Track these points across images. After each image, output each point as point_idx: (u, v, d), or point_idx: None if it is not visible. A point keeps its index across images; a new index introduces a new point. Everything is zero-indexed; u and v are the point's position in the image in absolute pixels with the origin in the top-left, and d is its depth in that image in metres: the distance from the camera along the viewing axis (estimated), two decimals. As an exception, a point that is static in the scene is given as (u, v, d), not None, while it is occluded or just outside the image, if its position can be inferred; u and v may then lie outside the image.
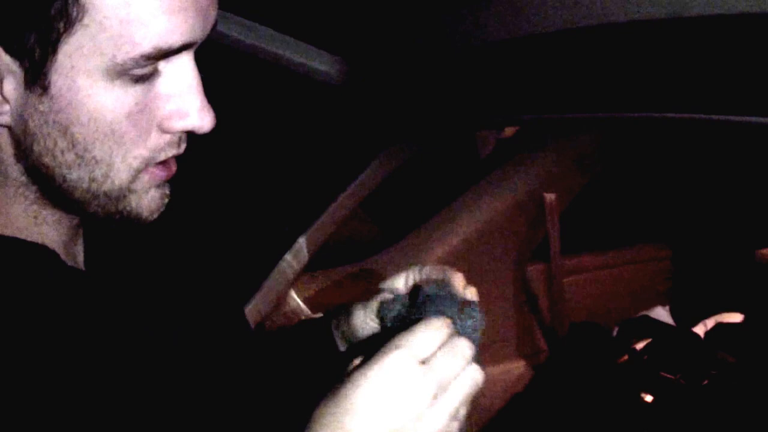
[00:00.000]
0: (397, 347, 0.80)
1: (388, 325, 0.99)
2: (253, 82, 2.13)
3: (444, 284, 1.01)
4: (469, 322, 0.94)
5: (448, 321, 0.86)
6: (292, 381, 1.16)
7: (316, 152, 2.36)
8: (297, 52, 1.86)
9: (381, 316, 1.03)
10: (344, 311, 1.13)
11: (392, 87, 1.89)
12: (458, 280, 1.02)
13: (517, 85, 1.60)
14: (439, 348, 0.82)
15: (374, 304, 1.08)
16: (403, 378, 0.79)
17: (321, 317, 1.20)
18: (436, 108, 1.89)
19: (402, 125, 2.07)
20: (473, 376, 0.83)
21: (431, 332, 0.83)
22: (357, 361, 0.83)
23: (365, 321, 1.09)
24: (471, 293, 1.02)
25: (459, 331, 0.90)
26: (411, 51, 1.70)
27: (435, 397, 0.80)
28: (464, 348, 0.83)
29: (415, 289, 1.04)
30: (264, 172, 2.55)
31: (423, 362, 0.80)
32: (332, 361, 1.11)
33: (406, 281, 1.08)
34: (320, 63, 1.88)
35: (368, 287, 2.51)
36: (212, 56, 0.85)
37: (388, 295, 1.07)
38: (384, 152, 2.17)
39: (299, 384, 1.13)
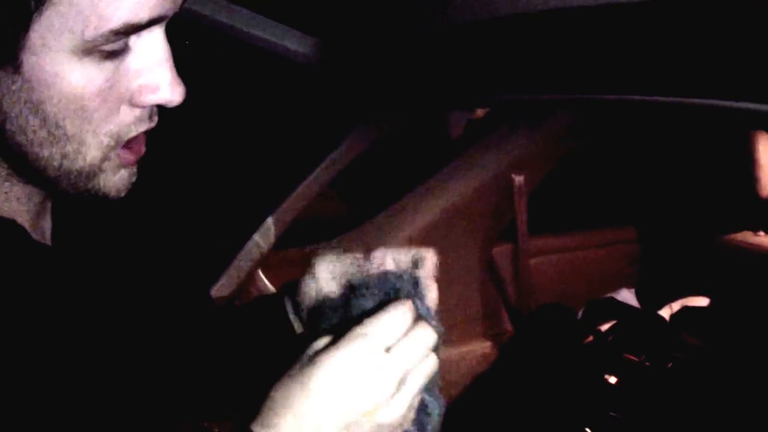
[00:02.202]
0: (362, 335, 0.81)
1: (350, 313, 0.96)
2: (224, 61, 2.11)
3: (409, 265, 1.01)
4: (428, 302, 0.94)
5: (412, 306, 0.86)
6: (246, 356, 1.18)
7: (286, 131, 2.35)
8: (269, 32, 1.85)
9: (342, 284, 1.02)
10: (294, 283, 1.13)
11: (363, 67, 1.88)
12: (430, 261, 1.02)
13: (488, 65, 1.60)
14: (404, 335, 0.82)
15: (322, 269, 1.07)
16: (367, 367, 0.79)
17: (277, 292, 1.21)
18: (407, 88, 1.88)
19: (372, 105, 2.06)
20: (431, 366, 0.84)
21: (396, 319, 0.83)
22: (321, 342, 0.83)
23: (309, 284, 1.09)
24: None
25: (421, 314, 0.90)
26: (383, 31, 1.69)
27: (397, 387, 0.81)
28: (427, 336, 0.84)
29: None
30: (233, 151, 2.53)
31: (387, 350, 0.81)
32: (284, 336, 1.13)
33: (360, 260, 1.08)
34: (292, 42, 1.88)
35: None
36: (185, 35, 0.86)
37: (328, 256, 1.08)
38: (353, 132, 2.17)
39: (252, 359, 1.17)
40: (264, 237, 2.21)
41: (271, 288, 2.42)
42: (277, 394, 0.80)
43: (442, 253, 2.78)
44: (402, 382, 0.81)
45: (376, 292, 0.93)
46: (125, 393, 0.91)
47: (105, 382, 0.88)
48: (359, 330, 0.81)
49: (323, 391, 0.78)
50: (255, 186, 2.37)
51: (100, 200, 0.85)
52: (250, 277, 2.33)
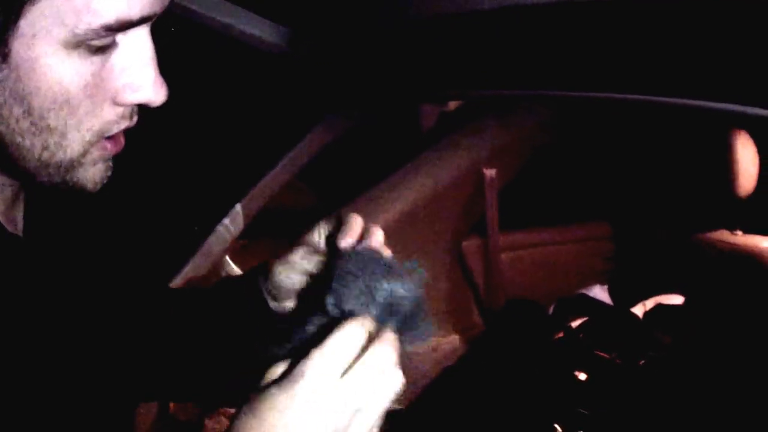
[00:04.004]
0: (313, 365, 0.78)
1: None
2: (194, 49, 2.11)
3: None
4: (401, 288, 0.89)
5: (367, 320, 0.83)
6: (220, 333, 1.18)
7: (256, 120, 2.34)
8: (239, 20, 1.84)
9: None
10: (266, 267, 1.13)
11: (335, 57, 1.87)
12: (350, 225, 1.02)
13: (461, 59, 1.59)
14: (361, 353, 0.80)
15: (292, 257, 1.08)
16: (319, 400, 0.77)
17: (247, 274, 1.21)
18: (379, 80, 1.87)
19: (344, 96, 2.06)
20: (393, 386, 0.81)
21: (345, 343, 0.80)
22: (276, 371, 0.81)
23: (283, 273, 1.10)
24: (378, 234, 1.01)
25: (385, 314, 0.87)
26: (355, 21, 1.69)
27: (351, 416, 0.79)
28: (385, 354, 0.81)
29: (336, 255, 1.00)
30: (203, 139, 2.53)
31: (343, 374, 0.79)
32: (264, 318, 1.13)
33: (319, 236, 1.08)
34: (262, 31, 1.87)
35: None
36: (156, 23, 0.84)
37: (304, 249, 1.08)
38: (323, 122, 2.16)
39: (226, 337, 1.17)
40: (233, 222, 2.21)
41: (239, 273, 2.39)
42: (236, 424, 0.79)
43: (411, 246, 2.78)
44: (358, 410, 0.79)
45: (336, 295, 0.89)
46: (81, 378, 0.93)
47: (61, 368, 0.90)
48: (306, 363, 0.78)
49: (279, 425, 0.77)
50: (224, 174, 2.36)
51: (77, 192, 0.86)
52: (219, 263, 2.32)
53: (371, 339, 0.81)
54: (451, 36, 1.51)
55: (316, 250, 1.07)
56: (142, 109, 0.85)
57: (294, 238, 1.11)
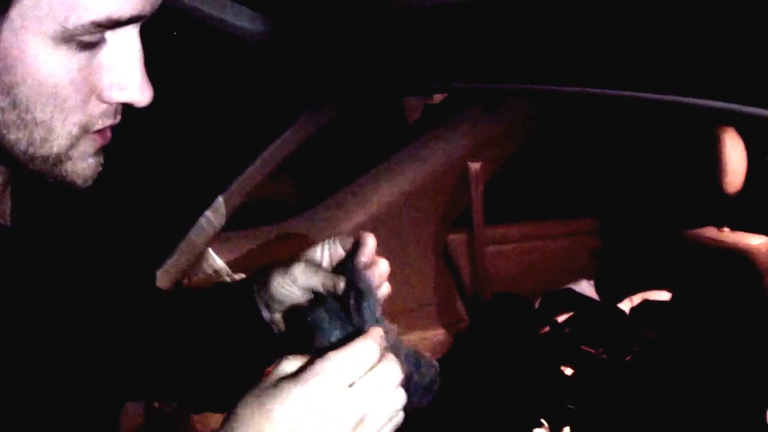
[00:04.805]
0: (325, 370, 0.79)
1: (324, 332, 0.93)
2: (174, 39, 2.10)
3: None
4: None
5: (382, 337, 0.85)
6: (211, 339, 1.18)
7: (238, 112, 2.35)
8: (221, 9, 1.82)
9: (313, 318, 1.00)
10: (263, 276, 1.12)
11: (319, 50, 1.86)
12: (369, 247, 1.02)
13: (446, 53, 1.58)
14: (368, 371, 0.81)
15: (295, 270, 1.07)
16: (327, 404, 0.78)
17: (242, 281, 1.20)
18: (363, 72, 1.87)
19: (328, 88, 2.05)
20: (396, 404, 0.82)
21: (361, 355, 0.81)
22: (287, 367, 0.82)
23: (284, 286, 1.09)
24: (384, 266, 1.03)
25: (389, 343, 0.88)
26: (340, 12, 1.68)
27: (354, 427, 0.79)
28: (393, 372, 0.82)
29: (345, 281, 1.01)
30: (185, 131, 2.52)
31: (351, 385, 0.80)
32: (257, 328, 1.12)
33: (322, 253, 1.09)
34: (245, 21, 1.85)
35: (288, 247, 2.53)
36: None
37: (307, 263, 1.07)
38: (306, 113, 2.15)
39: (218, 342, 1.17)
40: (216, 214, 2.21)
41: (221, 264, 2.41)
42: (239, 412, 0.79)
43: (395, 239, 2.76)
44: (361, 421, 0.80)
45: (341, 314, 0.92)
46: (69, 374, 0.93)
47: (48, 363, 0.90)
48: (323, 364, 0.79)
49: (283, 418, 0.77)
50: (207, 166, 2.35)
51: (67, 187, 0.86)
52: (202, 253, 2.32)
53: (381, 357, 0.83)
54: (435, 28, 1.50)
55: (317, 267, 1.06)
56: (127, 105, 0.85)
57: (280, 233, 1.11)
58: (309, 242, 1.10)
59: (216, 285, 1.35)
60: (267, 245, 2.57)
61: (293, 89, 2.09)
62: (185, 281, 2.29)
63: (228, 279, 2.39)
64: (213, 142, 2.45)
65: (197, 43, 2.11)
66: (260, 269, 1.14)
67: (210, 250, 2.37)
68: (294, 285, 1.07)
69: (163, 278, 2.18)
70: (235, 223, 2.31)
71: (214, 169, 2.29)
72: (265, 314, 1.12)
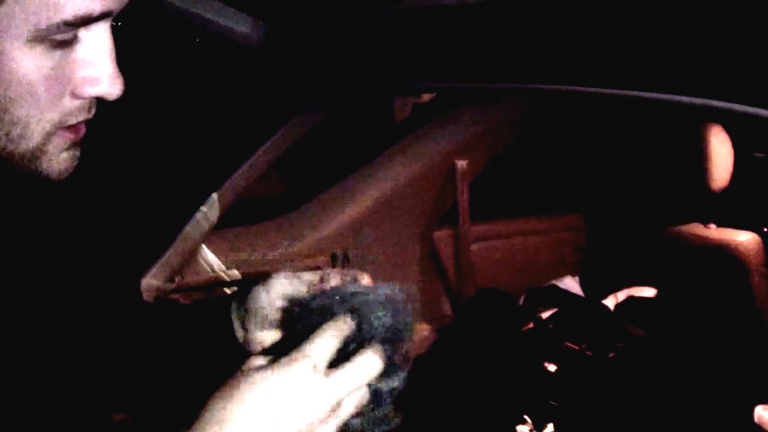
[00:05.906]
0: (303, 356, 0.82)
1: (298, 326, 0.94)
2: (167, 41, 2.11)
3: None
4: (385, 319, 0.92)
5: (348, 323, 0.87)
6: (182, 352, 1.19)
7: (231, 111, 2.38)
8: (214, 13, 1.84)
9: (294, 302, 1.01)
10: (243, 291, 1.14)
11: (307, 49, 1.88)
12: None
13: (434, 53, 1.59)
14: (348, 360, 0.84)
15: (276, 285, 1.09)
16: (302, 390, 0.80)
17: (222, 297, 1.21)
18: (353, 72, 1.88)
19: (318, 88, 2.07)
20: (363, 397, 0.85)
21: (330, 338, 0.84)
22: (259, 360, 0.84)
23: (266, 301, 1.09)
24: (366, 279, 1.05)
25: (373, 334, 0.89)
26: (329, 14, 1.70)
27: (329, 413, 0.81)
28: (370, 365, 0.84)
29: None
30: (180, 129, 2.54)
31: (328, 371, 0.82)
32: (227, 344, 1.13)
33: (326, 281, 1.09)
34: (237, 24, 1.88)
35: (278, 244, 2.53)
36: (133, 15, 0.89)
37: (287, 277, 1.09)
38: (299, 113, 2.17)
39: (188, 355, 1.18)
40: (210, 210, 2.24)
41: (215, 260, 2.44)
42: (211, 405, 0.81)
43: (382, 236, 2.77)
44: (335, 408, 0.82)
45: (319, 311, 0.92)
46: (50, 374, 0.94)
47: (30, 360, 0.90)
48: (296, 352, 0.82)
49: (255, 407, 0.79)
50: (201, 164, 2.39)
51: (44, 181, 0.87)
52: (196, 250, 2.35)
53: (359, 347, 0.85)
54: (423, 29, 1.51)
55: (294, 275, 1.08)
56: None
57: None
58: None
59: (195, 302, 1.32)
60: (258, 242, 2.58)
61: (286, 89, 2.11)
62: (179, 277, 2.32)
63: (222, 275, 2.44)
64: (208, 140, 2.48)
65: (191, 44, 2.12)
66: (243, 283, 1.13)
67: (204, 246, 2.42)
68: (275, 296, 1.07)
69: (158, 274, 2.22)
70: (225, 220, 2.34)
71: (209, 167, 2.32)
72: (239, 334, 1.12)
